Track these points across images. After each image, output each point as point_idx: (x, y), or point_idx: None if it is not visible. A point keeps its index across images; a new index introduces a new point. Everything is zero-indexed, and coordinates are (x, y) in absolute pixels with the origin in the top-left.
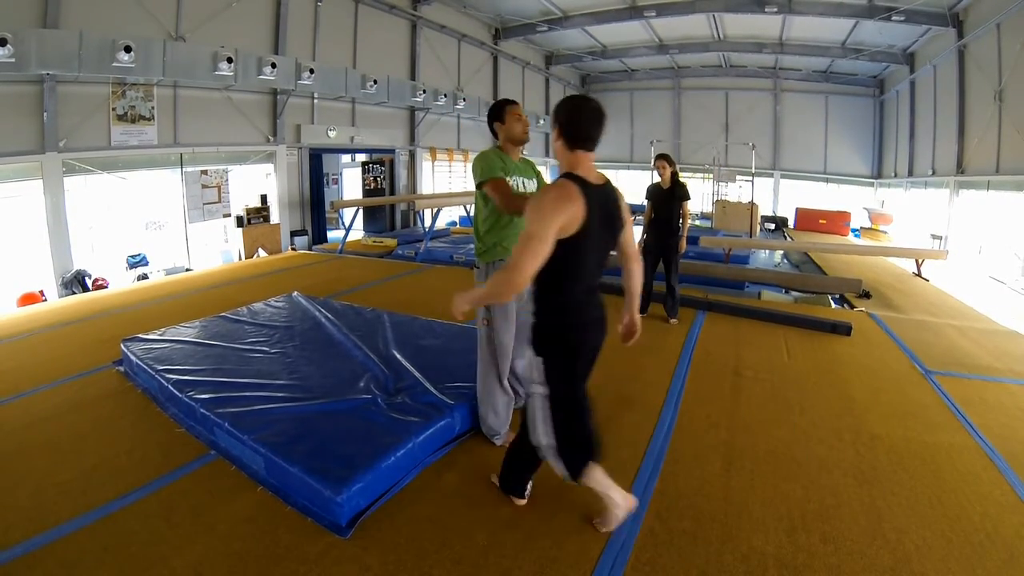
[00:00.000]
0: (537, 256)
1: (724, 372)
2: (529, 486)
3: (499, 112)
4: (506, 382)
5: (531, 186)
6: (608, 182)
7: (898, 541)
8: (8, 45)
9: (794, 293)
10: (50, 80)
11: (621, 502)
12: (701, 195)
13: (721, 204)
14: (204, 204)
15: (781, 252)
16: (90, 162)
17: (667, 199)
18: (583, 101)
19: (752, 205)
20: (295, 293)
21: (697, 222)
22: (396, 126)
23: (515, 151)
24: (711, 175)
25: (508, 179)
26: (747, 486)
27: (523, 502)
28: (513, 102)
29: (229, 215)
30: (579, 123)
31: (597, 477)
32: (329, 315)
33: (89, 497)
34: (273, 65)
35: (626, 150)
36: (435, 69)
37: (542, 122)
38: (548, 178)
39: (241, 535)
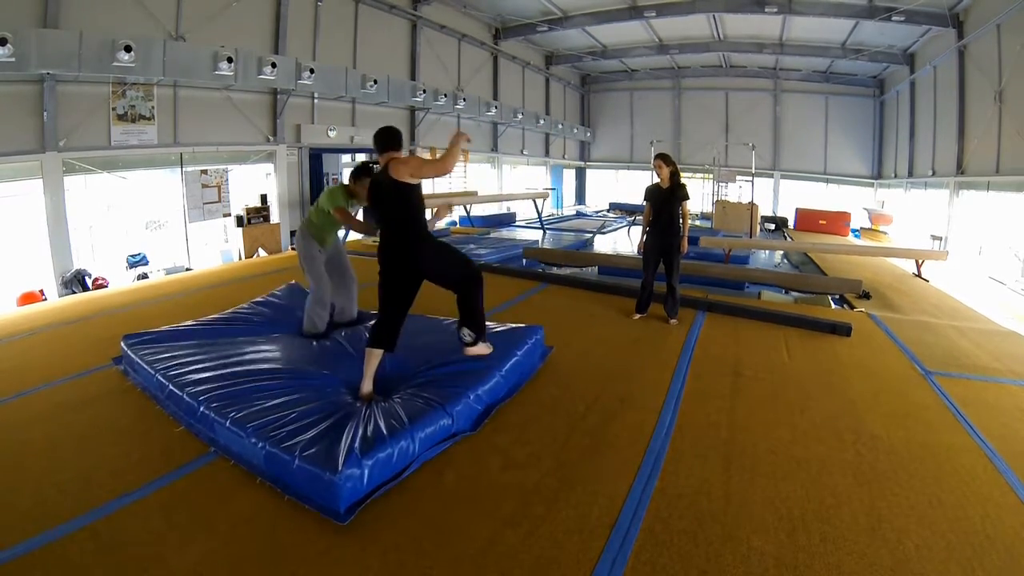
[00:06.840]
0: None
1: (724, 372)
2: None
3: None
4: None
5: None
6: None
7: (898, 541)
8: (8, 45)
9: (794, 293)
10: (50, 80)
11: (365, 389)
12: (701, 195)
13: (721, 204)
14: (204, 204)
15: (781, 252)
16: (90, 162)
17: (667, 199)
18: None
19: (752, 205)
20: (294, 282)
21: (697, 222)
22: (396, 126)
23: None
24: (711, 175)
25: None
26: (747, 486)
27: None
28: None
29: (229, 215)
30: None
31: (369, 360)
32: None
33: (89, 497)
34: (273, 65)
35: (626, 150)
36: (435, 69)
37: (542, 122)
38: (549, 177)
39: (241, 535)
